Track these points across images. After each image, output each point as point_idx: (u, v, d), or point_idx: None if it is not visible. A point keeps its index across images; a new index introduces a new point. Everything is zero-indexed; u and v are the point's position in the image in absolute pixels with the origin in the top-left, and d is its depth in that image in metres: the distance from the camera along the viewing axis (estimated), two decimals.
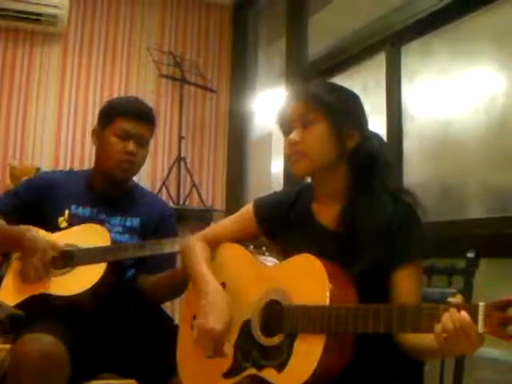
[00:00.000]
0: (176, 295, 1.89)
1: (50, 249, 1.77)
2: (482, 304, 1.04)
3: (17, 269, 1.82)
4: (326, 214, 1.45)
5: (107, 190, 1.95)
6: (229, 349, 1.38)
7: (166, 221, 2.01)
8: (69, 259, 1.79)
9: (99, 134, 1.95)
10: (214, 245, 1.60)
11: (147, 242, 1.81)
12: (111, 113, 1.93)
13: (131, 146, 1.87)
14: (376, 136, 1.49)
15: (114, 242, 1.83)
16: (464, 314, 1.04)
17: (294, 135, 1.40)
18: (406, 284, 1.33)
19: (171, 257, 1.87)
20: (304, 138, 1.39)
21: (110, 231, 1.85)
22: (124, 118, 1.89)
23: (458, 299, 1.10)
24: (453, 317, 1.05)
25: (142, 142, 1.91)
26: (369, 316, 1.18)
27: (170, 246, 1.78)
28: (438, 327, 1.07)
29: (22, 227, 1.82)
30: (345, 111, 1.40)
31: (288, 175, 3.11)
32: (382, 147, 1.47)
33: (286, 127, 1.44)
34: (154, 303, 1.93)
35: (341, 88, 1.49)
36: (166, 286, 1.85)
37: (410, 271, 1.34)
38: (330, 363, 1.23)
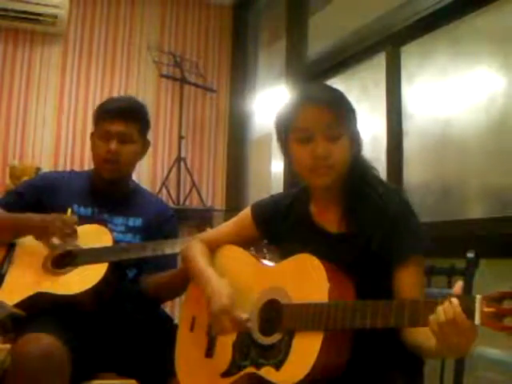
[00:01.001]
0: (178, 295, 1.89)
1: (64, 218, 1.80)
2: (478, 296, 1.05)
3: (18, 267, 1.82)
4: (325, 216, 1.46)
5: (108, 191, 1.96)
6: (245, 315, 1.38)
7: (168, 222, 2.02)
8: (70, 259, 1.80)
9: (92, 137, 1.98)
10: (213, 247, 1.61)
11: (148, 243, 1.82)
12: (96, 116, 1.96)
13: (112, 145, 1.87)
14: None
15: (116, 241, 1.84)
16: (456, 306, 1.06)
17: (323, 150, 1.36)
18: (407, 281, 1.33)
19: (172, 257, 1.87)
20: (332, 151, 1.37)
21: (112, 231, 1.86)
22: (106, 118, 1.91)
23: (458, 287, 1.11)
24: (445, 309, 1.07)
25: (126, 139, 1.90)
26: (366, 312, 1.18)
27: (171, 247, 1.78)
28: (431, 318, 1.09)
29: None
30: (355, 118, 1.43)
31: (288, 175, 3.11)
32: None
33: (304, 135, 1.39)
34: (156, 302, 1.94)
35: (340, 91, 1.47)
36: (169, 286, 1.85)
37: (410, 267, 1.33)
38: (328, 360, 1.23)
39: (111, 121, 1.89)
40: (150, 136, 2.04)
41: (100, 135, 1.91)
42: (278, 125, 1.46)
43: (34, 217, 1.82)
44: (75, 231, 1.80)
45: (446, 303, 1.07)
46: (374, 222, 1.36)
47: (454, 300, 1.07)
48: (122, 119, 1.89)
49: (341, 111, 1.39)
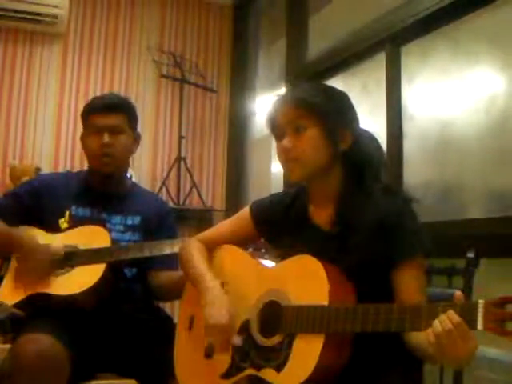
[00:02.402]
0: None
1: (50, 253, 1.78)
2: (481, 301, 1.05)
3: (16, 268, 1.82)
4: (322, 215, 1.45)
5: (105, 190, 1.96)
6: (238, 340, 1.39)
7: (166, 219, 2.03)
8: (68, 259, 1.80)
9: (82, 138, 1.98)
10: (211, 247, 1.61)
11: (146, 243, 1.82)
12: (84, 115, 1.97)
13: (105, 138, 1.88)
14: (367, 133, 1.49)
15: (115, 241, 1.84)
16: (453, 317, 1.06)
17: (286, 142, 1.40)
18: (407, 282, 1.32)
19: (173, 256, 1.87)
20: (296, 144, 1.39)
21: (111, 230, 1.86)
22: (92, 115, 1.93)
23: (459, 295, 1.11)
24: (443, 324, 1.07)
25: (117, 131, 1.91)
26: (368, 316, 1.18)
27: (169, 247, 1.78)
28: (428, 331, 1.09)
29: (22, 229, 1.83)
30: (335, 113, 1.40)
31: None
32: (373, 144, 1.48)
33: (278, 132, 1.43)
34: (157, 300, 1.96)
35: (329, 89, 1.48)
36: (180, 288, 1.84)
37: (410, 269, 1.33)
38: (328, 363, 1.23)
39: (100, 115, 1.90)
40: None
41: (91, 132, 1.92)
42: (267, 126, 1.49)
43: (25, 240, 1.81)
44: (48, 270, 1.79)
45: (443, 319, 1.07)
46: (369, 223, 1.35)
47: (460, 306, 1.07)
48: (110, 112, 1.91)
49: (310, 105, 1.38)
